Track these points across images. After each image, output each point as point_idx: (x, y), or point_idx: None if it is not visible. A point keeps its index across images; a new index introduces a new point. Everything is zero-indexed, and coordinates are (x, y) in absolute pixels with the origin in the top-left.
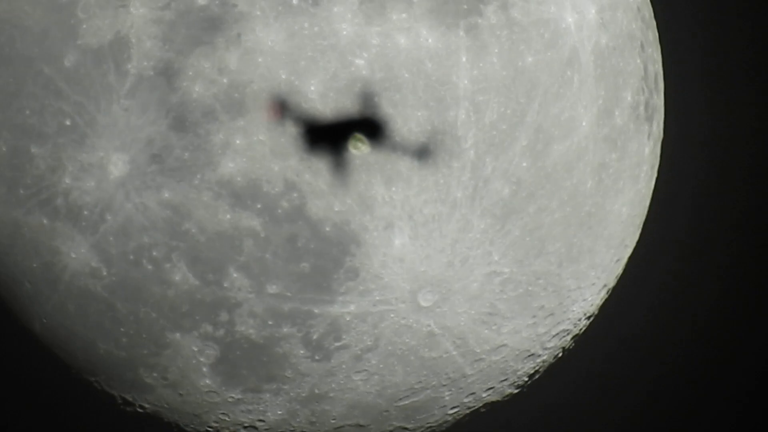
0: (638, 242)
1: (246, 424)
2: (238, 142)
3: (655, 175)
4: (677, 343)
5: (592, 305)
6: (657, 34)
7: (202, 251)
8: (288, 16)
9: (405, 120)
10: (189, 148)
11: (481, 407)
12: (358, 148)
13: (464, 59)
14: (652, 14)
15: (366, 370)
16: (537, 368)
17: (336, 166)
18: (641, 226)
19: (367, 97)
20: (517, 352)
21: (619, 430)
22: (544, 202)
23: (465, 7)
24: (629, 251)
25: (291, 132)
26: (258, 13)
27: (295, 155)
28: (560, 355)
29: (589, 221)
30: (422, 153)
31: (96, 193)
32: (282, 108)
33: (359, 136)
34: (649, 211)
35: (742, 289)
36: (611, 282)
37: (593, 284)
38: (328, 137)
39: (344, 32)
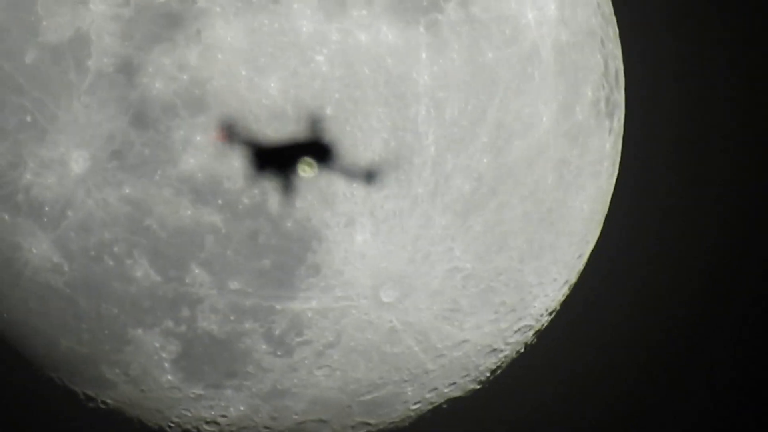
0: (599, 238)
1: (208, 420)
2: (198, 138)
3: (616, 171)
4: (639, 339)
5: (553, 301)
6: (617, 30)
7: (163, 247)
8: (248, 13)
9: (365, 117)
10: (149, 145)
11: (443, 403)
12: (306, 172)
13: (424, 55)
14: (612, 10)
15: (328, 365)
16: (499, 364)
17: (284, 189)
18: (602, 222)
19: (316, 122)
20: (478, 348)
21: (581, 425)
22: (505, 198)
23: (425, 3)
24: (590, 247)
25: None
26: (218, 9)
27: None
28: (522, 350)
29: (550, 217)
30: (370, 176)
31: (57, 189)
32: (230, 131)
33: (308, 160)
34: (610, 208)
35: (706, 283)
36: (573, 278)
37: (555, 280)
38: (276, 160)
39: (304, 29)
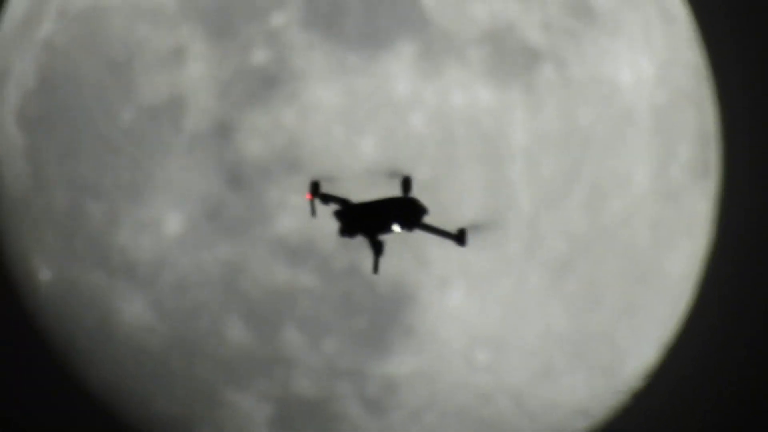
0: (696, 299)
1: None
2: (293, 198)
3: (712, 229)
4: (742, 402)
5: (649, 361)
6: (714, 91)
7: (257, 308)
8: (344, 73)
9: (460, 176)
10: (244, 205)
11: None
12: (399, 229)
13: (520, 115)
14: (710, 71)
15: (422, 427)
16: (596, 426)
17: (377, 248)
18: (697, 280)
19: (410, 181)
20: (574, 409)
21: None
22: (599, 257)
23: (521, 63)
24: (687, 308)
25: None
26: (314, 70)
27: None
28: (619, 413)
29: (644, 276)
30: (463, 237)
31: (152, 249)
32: (315, 189)
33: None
34: (708, 268)
35: None
36: (669, 338)
37: (650, 340)
38: (370, 219)
39: (400, 89)
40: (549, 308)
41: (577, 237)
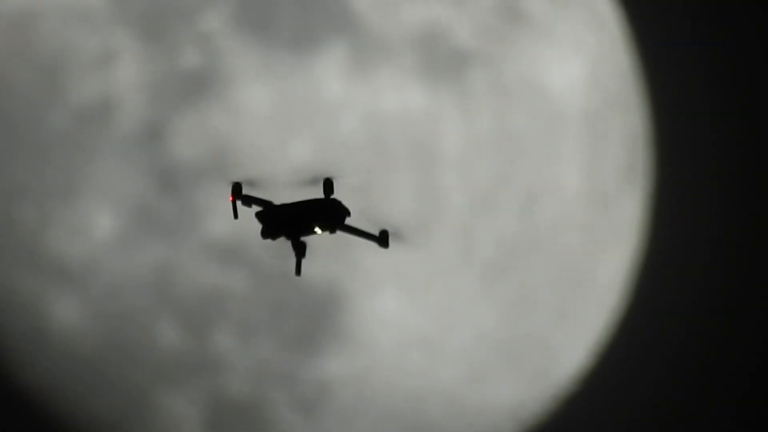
0: (631, 303)
1: None
2: (224, 201)
3: (644, 232)
4: (674, 408)
5: (583, 366)
6: (645, 95)
7: (189, 311)
8: (275, 77)
9: (392, 180)
10: (176, 208)
11: None
12: (322, 231)
13: (453, 120)
14: (643, 75)
15: (355, 431)
16: (529, 428)
17: (301, 251)
18: (629, 284)
19: (332, 183)
20: (508, 413)
21: None
22: (534, 262)
23: (454, 68)
24: (622, 312)
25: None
26: (245, 74)
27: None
28: (552, 414)
29: (576, 280)
30: (387, 239)
31: (83, 252)
32: (237, 191)
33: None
34: (642, 272)
35: (749, 354)
36: (603, 343)
37: (584, 345)
38: (296, 222)
39: (332, 93)
40: (481, 312)
41: (509, 241)
